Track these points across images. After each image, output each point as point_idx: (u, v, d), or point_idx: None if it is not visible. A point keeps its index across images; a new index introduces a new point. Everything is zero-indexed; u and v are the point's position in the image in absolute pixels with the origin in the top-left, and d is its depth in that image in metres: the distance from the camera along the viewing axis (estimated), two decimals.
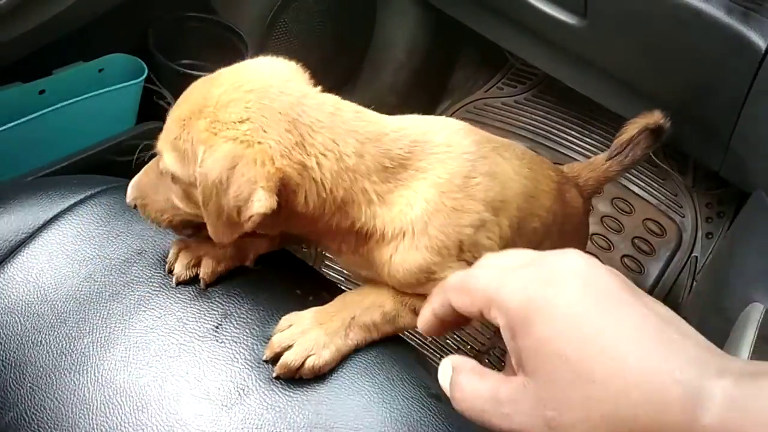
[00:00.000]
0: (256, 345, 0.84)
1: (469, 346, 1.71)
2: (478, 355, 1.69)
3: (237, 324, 0.86)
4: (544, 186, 1.10)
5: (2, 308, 0.89)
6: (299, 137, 0.78)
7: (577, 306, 0.44)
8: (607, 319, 0.43)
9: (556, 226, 1.15)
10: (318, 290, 0.93)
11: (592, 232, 1.93)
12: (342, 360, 0.85)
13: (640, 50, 1.31)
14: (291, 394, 0.81)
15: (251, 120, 0.77)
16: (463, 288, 0.50)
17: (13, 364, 0.84)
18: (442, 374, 0.50)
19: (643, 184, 2.00)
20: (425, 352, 1.67)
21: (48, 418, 0.79)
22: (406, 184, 0.84)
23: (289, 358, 0.81)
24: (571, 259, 0.46)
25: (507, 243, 0.95)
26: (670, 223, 1.95)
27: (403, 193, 0.84)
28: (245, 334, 0.85)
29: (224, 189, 0.76)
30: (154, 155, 0.88)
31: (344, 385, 0.83)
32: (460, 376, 0.49)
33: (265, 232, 0.88)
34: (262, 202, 0.75)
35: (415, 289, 0.88)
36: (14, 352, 0.85)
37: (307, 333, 0.83)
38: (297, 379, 0.82)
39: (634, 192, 1.99)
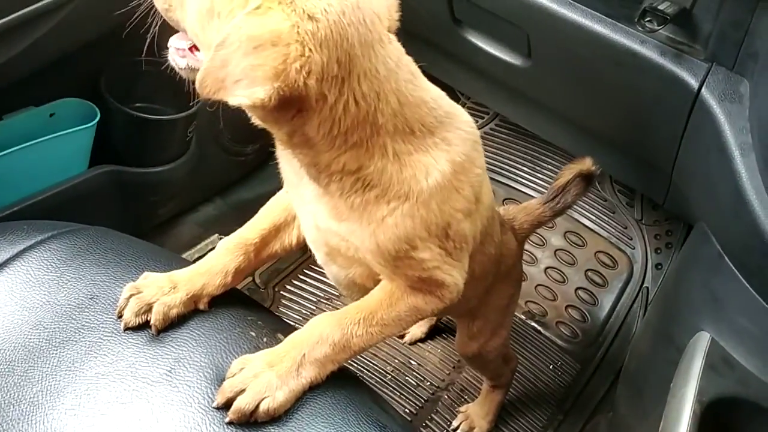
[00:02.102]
0: (210, 389, 0.84)
1: (428, 383, 1.71)
2: (437, 391, 1.70)
3: (190, 368, 0.86)
4: (498, 218, 1.14)
5: None
6: (346, 74, 0.75)
7: None
8: None
9: (496, 267, 1.18)
10: (272, 332, 0.93)
11: (546, 266, 1.96)
12: (297, 400, 0.84)
13: (582, 90, 1.36)
14: None
15: (320, 24, 0.72)
16: None
17: None
18: None
19: (593, 218, 2.04)
20: (384, 390, 1.67)
21: None
22: (427, 151, 0.83)
23: (243, 403, 0.80)
24: None
25: (472, 254, 0.97)
26: (621, 255, 1.99)
27: (422, 159, 0.83)
28: (199, 377, 0.85)
29: (245, 52, 0.70)
30: None
31: (300, 428, 0.82)
32: None
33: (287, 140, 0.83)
34: (262, 98, 0.71)
35: (383, 260, 0.87)
36: None
37: (259, 376, 0.82)
38: (252, 422, 0.81)
39: (585, 225, 2.04)
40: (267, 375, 0.83)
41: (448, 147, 0.84)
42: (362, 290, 0.97)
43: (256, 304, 1.02)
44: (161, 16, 0.87)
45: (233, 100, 0.72)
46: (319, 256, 0.99)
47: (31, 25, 1.22)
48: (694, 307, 1.22)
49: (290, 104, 0.74)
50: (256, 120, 0.82)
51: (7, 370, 0.86)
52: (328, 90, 0.74)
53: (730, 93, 1.02)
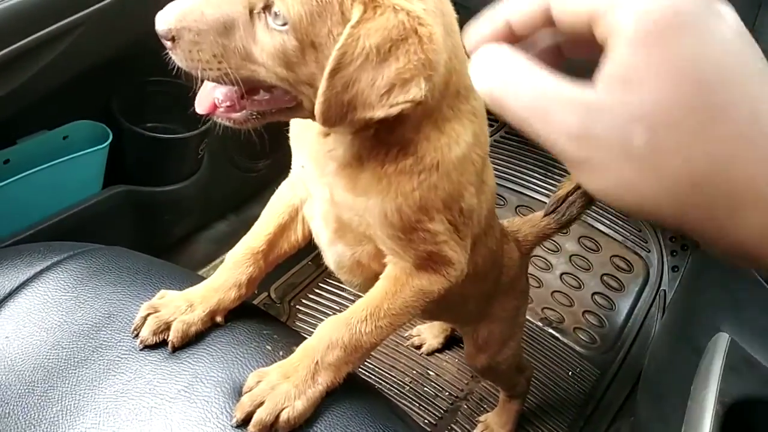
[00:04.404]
0: (228, 403, 0.84)
1: (446, 393, 1.70)
2: (456, 401, 1.69)
3: (208, 384, 0.86)
4: (497, 218, 1.13)
5: None
6: (447, 37, 0.72)
7: (737, 42, 0.40)
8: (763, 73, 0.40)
9: (496, 269, 1.17)
10: (288, 345, 0.93)
11: (562, 271, 1.96)
12: (316, 408, 0.84)
13: None
14: None
15: (426, 2, 0.69)
16: None
17: None
18: (482, 64, 0.44)
19: (608, 222, 2.04)
20: (403, 401, 1.67)
21: None
22: (460, 117, 0.80)
23: (263, 415, 0.80)
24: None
25: (475, 240, 0.95)
26: (636, 259, 1.98)
27: (456, 127, 0.80)
28: (216, 392, 0.85)
29: (380, 60, 0.66)
30: None
31: None
32: (515, 64, 0.43)
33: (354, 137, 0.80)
34: (423, 91, 0.68)
35: (396, 233, 0.84)
36: None
37: (277, 387, 0.82)
38: None
39: (599, 230, 2.03)
40: (284, 386, 0.83)
41: (473, 117, 0.82)
42: (366, 273, 0.95)
43: (270, 317, 1.02)
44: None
45: (393, 109, 0.69)
46: (326, 235, 0.94)
47: (42, 50, 1.23)
48: (712, 308, 1.21)
49: None
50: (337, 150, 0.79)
51: (27, 391, 0.86)
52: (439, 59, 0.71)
53: None
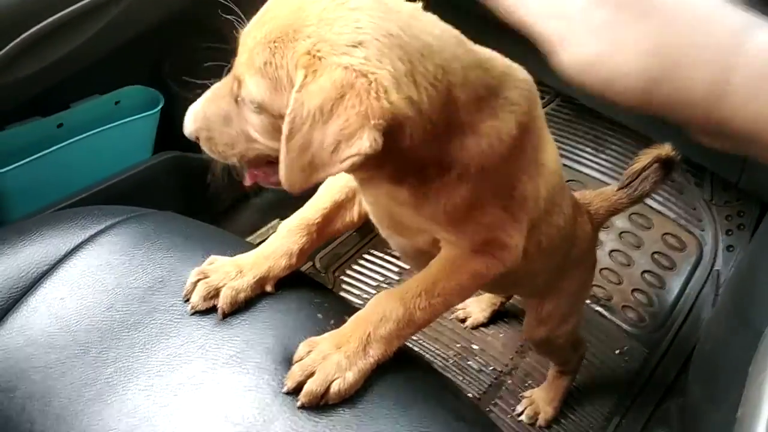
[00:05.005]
0: (279, 371, 0.84)
1: (491, 368, 1.69)
2: (501, 376, 1.68)
3: (259, 351, 0.86)
4: (567, 193, 1.10)
5: (26, 340, 0.89)
6: (409, 65, 0.70)
7: None
8: None
9: (567, 244, 1.15)
10: (339, 314, 0.92)
11: (611, 248, 1.92)
12: (366, 379, 0.83)
13: None
14: (316, 420, 0.80)
15: (365, 45, 0.69)
16: None
17: (39, 396, 0.84)
18: None
19: (660, 199, 1.98)
20: (447, 374, 1.66)
21: None
22: (496, 114, 0.79)
23: (314, 386, 0.80)
24: None
25: (537, 221, 0.95)
26: (689, 237, 1.93)
27: (494, 124, 0.79)
28: (267, 360, 0.85)
29: (324, 120, 0.68)
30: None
31: (369, 410, 0.82)
32: None
33: (355, 176, 0.83)
34: (370, 142, 0.67)
35: (449, 228, 0.85)
36: (39, 384, 0.85)
37: (328, 358, 0.82)
38: (323, 405, 0.81)
39: (652, 207, 1.98)
40: (335, 356, 0.82)
41: (512, 107, 0.81)
42: (429, 257, 0.94)
43: (321, 286, 1.02)
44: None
45: (344, 165, 0.69)
46: (382, 229, 0.97)
47: (95, 15, 1.24)
48: None
49: (385, 135, 0.70)
50: (359, 178, 0.82)
51: (82, 351, 0.87)
52: (408, 86, 0.71)
53: None
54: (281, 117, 0.71)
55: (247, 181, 0.89)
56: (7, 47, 1.11)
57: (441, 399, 0.85)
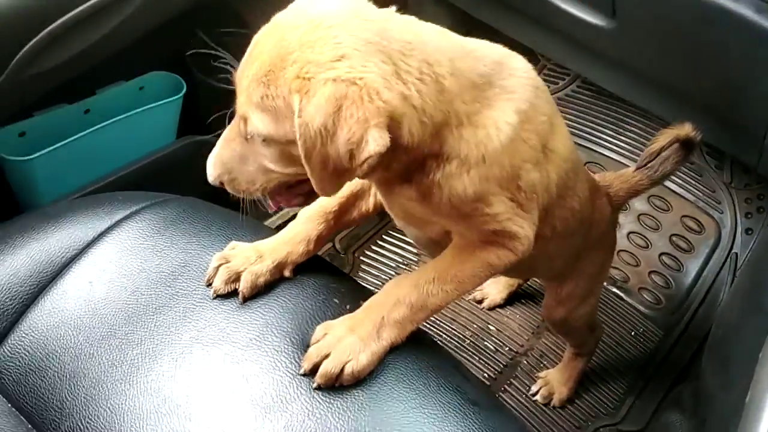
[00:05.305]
0: (297, 354, 0.87)
1: (507, 348, 1.72)
2: (516, 356, 1.70)
3: (278, 334, 0.89)
4: (584, 173, 1.11)
5: (57, 322, 0.93)
6: (393, 65, 0.74)
7: None
8: None
9: (585, 226, 1.16)
10: (355, 299, 0.95)
11: (629, 231, 1.92)
12: (380, 361, 0.87)
13: (669, 49, 1.31)
14: (331, 401, 0.83)
15: (347, 56, 0.73)
16: None
17: (69, 376, 0.89)
18: None
19: (679, 181, 1.98)
20: (463, 354, 1.69)
21: (101, 427, 0.84)
22: (492, 104, 0.82)
23: (329, 367, 0.83)
24: None
25: (550, 206, 0.97)
26: (708, 220, 1.93)
27: (491, 114, 0.82)
28: (286, 343, 0.88)
29: (331, 135, 0.72)
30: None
31: (382, 392, 0.85)
32: None
33: (369, 179, 0.88)
34: (378, 141, 0.72)
35: (458, 220, 0.88)
36: (69, 365, 0.90)
37: (342, 340, 0.85)
38: (338, 386, 0.84)
39: (671, 189, 1.97)
40: (349, 339, 0.85)
41: (510, 95, 0.83)
42: (443, 247, 0.98)
43: (338, 271, 1.05)
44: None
45: (364, 167, 0.74)
46: (397, 221, 1.01)
47: (121, 4, 1.27)
48: None
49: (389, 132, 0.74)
50: (372, 180, 0.87)
51: (109, 333, 0.92)
52: (398, 85, 0.75)
53: None
54: (290, 143, 0.76)
55: (272, 209, 0.95)
56: (34, 40, 1.15)
57: (453, 384, 0.88)
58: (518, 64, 0.87)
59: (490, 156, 0.82)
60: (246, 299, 0.93)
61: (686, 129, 1.30)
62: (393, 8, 0.81)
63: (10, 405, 0.89)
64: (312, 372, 0.84)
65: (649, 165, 1.33)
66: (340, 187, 0.81)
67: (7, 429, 0.86)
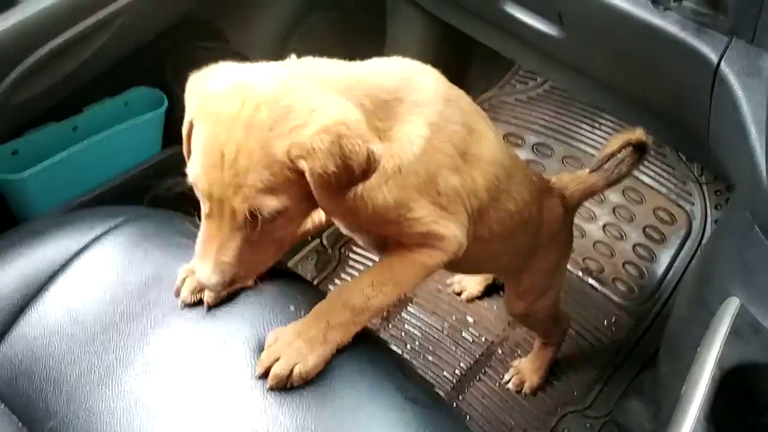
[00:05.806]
0: (253, 358, 0.96)
1: (483, 338, 1.80)
2: (491, 346, 1.79)
3: (238, 341, 0.98)
4: (522, 177, 1.18)
5: (43, 331, 1.03)
6: (345, 98, 0.84)
7: None
8: None
9: (532, 227, 1.24)
10: (310, 304, 1.03)
11: (605, 223, 1.99)
12: (326, 363, 0.94)
13: (615, 61, 1.37)
14: (282, 400, 0.92)
15: (316, 107, 0.80)
16: None
17: (52, 380, 0.98)
18: None
19: (653, 174, 2.04)
20: (442, 345, 1.77)
21: (80, 426, 0.94)
22: (404, 119, 0.91)
23: (278, 369, 0.92)
24: None
25: (482, 209, 1.04)
26: (680, 212, 1.99)
27: (403, 128, 0.91)
28: (244, 349, 0.97)
29: (347, 174, 0.80)
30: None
31: (329, 392, 0.93)
32: None
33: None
34: (379, 149, 0.82)
35: (385, 227, 0.96)
36: (53, 369, 0.99)
37: (291, 344, 0.93)
38: (289, 388, 0.93)
39: (644, 182, 2.04)
40: (297, 343, 0.93)
41: (420, 109, 0.91)
42: (390, 248, 1.05)
43: (299, 279, 1.13)
44: None
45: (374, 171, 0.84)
46: (342, 230, 1.09)
47: (103, 27, 1.35)
48: (726, 272, 1.23)
49: None
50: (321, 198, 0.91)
51: (89, 339, 1.01)
52: (358, 111, 0.84)
53: (748, 67, 1.02)
54: (300, 199, 0.83)
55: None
56: (18, 69, 1.23)
57: (393, 383, 0.96)
58: (425, 78, 0.95)
59: (405, 167, 0.90)
60: (210, 308, 1.01)
61: (637, 133, 1.37)
62: (293, 56, 0.89)
63: (3, 405, 0.99)
64: (265, 374, 0.93)
65: (603, 167, 1.40)
66: (340, 202, 0.86)
67: (1, 427, 0.97)
